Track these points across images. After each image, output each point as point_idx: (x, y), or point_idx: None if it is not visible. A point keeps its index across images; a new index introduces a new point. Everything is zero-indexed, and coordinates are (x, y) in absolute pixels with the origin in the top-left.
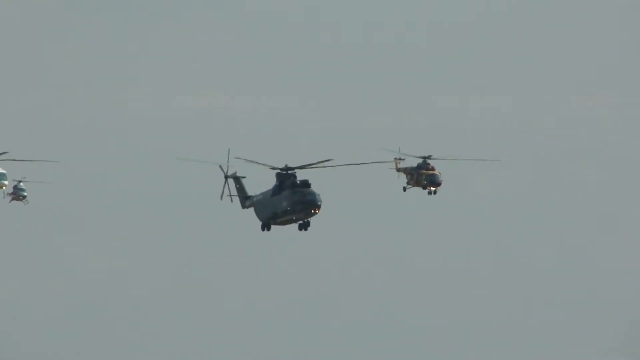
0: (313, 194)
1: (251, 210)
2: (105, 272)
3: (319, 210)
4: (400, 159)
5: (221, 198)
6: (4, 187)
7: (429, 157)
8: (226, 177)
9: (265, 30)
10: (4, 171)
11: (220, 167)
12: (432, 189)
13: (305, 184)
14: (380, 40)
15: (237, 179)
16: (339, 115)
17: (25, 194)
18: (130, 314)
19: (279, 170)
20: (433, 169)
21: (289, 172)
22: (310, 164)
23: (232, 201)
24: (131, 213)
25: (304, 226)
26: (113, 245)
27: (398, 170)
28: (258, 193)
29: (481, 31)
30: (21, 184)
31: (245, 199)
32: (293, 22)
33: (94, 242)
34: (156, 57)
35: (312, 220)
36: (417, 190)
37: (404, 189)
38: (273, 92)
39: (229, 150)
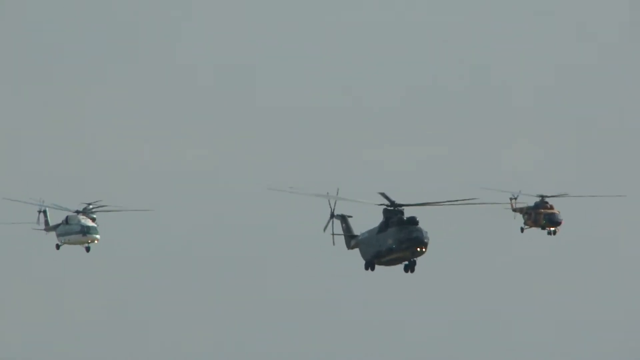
0: (420, 230)
1: (356, 251)
2: (197, 318)
3: (425, 249)
4: (515, 199)
5: (324, 230)
6: (96, 241)
7: (546, 196)
8: (332, 215)
9: None
10: (94, 225)
11: (329, 203)
12: (552, 228)
13: (413, 220)
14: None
15: (344, 218)
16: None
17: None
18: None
19: (385, 207)
20: (552, 207)
21: (397, 208)
22: (425, 202)
23: (334, 244)
24: (227, 252)
25: (410, 267)
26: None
27: (514, 210)
28: (364, 231)
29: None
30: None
31: (350, 239)
32: None
33: (182, 285)
34: None
35: (419, 261)
36: (536, 230)
37: (522, 229)
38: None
39: (338, 189)
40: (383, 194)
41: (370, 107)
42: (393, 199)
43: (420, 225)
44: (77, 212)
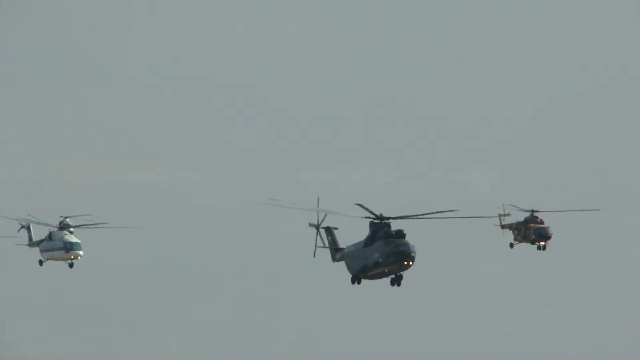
0: (407, 244)
1: (342, 264)
2: (191, 332)
3: (412, 262)
4: (504, 215)
5: (314, 255)
6: (79, 257)
7: (536, 211)
8: (317, 227)
9: None
10: (78, 240)
11: (317, 214)
12: (542, 243)
13: (400, 234)
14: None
15: (329, 230)
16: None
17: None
18: None
19: (372, 220)
20: (542, 222)
21: (383, 221)
22: (411, 215)
23: (314, 256)
24: (214, 266)
25: (397, 281)
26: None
27: (503, 227)
28: (350, 244)
29: None
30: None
31: (336, 252)
32: None
33: (179, 302)
34: None
35: (405, 275)
36: (525, 246)
37: (511, 245)
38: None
39: (318, 199)
40: (360, 205)
41: (348, 118)
42: (372, 209)
43: (407, 239)
44: (61, 227)
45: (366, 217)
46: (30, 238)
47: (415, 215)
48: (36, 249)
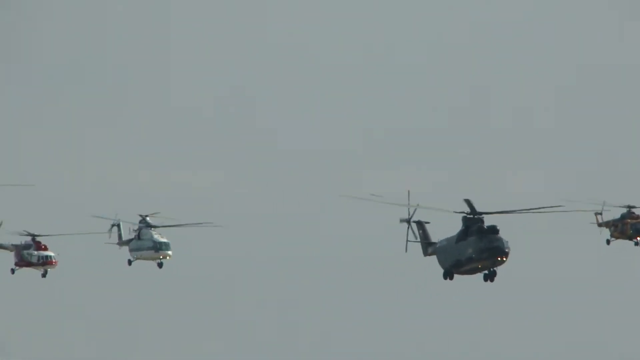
0: (500, 240)
1: (433, 258)
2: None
3: (506, 258)
4: (600, 214)
5: (406, 250)
6: (168, 257)
7: (633, 206)
8: (409, 221)
9: None
10: (167, 240)
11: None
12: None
13: (493, 230)
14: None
15: (421, 224)
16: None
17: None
18: None
19: (465, 215)
20: (639, 217)
21: (477, 216)
22: (506, 210)
23: (406, 251)
24: (306, 262)
25: (490, 276)
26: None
27: (600, 225)
28: (442, 239)
29: None
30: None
31: (428, 246)
32: None
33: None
34: None
35: (499, 270)
36: (623, 242)
37: (608, 242)
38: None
39: (408, 192)
40: (467, 201)
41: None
42: (476, 207)
43: (501, 234)
44: (150, 226)
45: (459, 212)
46: (120, 236)
47: (513, 211)
48: (125, 248)
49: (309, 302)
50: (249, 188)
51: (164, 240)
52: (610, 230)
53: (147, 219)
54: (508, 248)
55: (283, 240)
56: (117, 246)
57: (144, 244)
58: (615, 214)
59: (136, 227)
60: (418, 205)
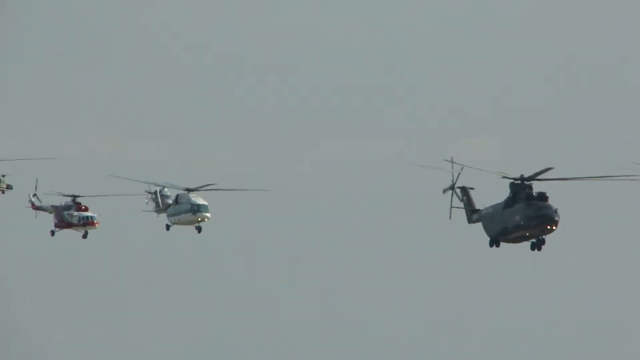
0: (550, 208)
1: (479, 225)
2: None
3: (555, 227)
4: None
5: (450, 217)
6: (207, 220)
7: None
8: (453, 187)
9: None
10: (206, 202)
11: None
12: None
13: (542, 197)
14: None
15: (465, 190)
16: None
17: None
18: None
19: (512, 181)
20: None
21: (525, 182)
22: (539, 174)
23: (450, 218)
24: (348, 229)
25: (537, 245)
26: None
27: None
28: (488, 206)
29: None
30: (166, 190)
31: (472, 213)
32: None
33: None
34: None
35: (548, 238)
36: None
37: None
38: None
39: (452, 158)
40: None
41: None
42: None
43: (550, 202)
44: (188, 190)
45: (506, 177)
46: (157, 204)
47: (565, 178)
48: (163, 215)
49: (355, 271)
50: (291, 156)
51: (202, 202)
52: None
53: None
54: (558, 216)
55: (326, 208)
56: (155, 214)
57: (181, 207)
58: None
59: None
60: (462, 168)
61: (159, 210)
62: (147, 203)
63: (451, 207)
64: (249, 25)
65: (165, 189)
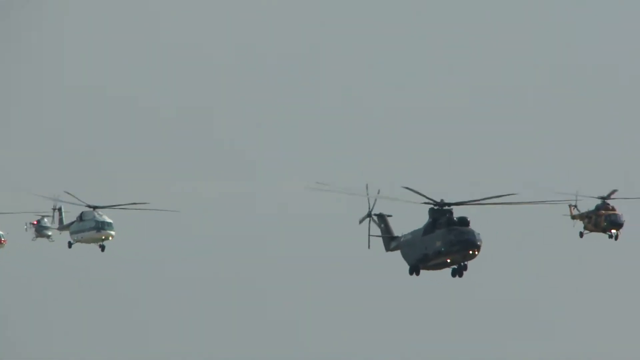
0: (472, 232)
1: (397, 253)
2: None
3: (478, 252)
4: (575, 206)
5: (360, 222)
6: (111, 238)
7: (608, 197)
8: (369, 215)
9: None
10: (110, 220)
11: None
12: (614, 231)
13: (464, 221)
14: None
15: (382, 217)
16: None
17: (49, 233)
18: None
19: (432, 206)
20: (613, 209)
21: (445, 207)
22: (473, 200)
23: (369, 247)
24: (256, 253)
25: (459, 272)
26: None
27: (573, 217)
28: (406, 232)
29: None
30: (45, 220)
31: (390, 240)
32: None
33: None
34: None
35: (469, 265)
36: (597, 235)
37: (581, 234)
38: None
39: (367, 185)
40: (408, 188)
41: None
42: (421, 192)
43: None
44: (92, 207)
45: (425, 203)
46: (60, 221)
47: (475, 201)
48: (66, 233)
49: (260, 302)
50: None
51: (107, 220)
52: (584, 222)
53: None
54: (480, 241)
55: (235, 231)
56: (58, 231)
57: (85, 225)
58: (589, 205)
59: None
60: (379, 192)
61: (61, 227)
62: (26, 230)
63: (369, 235)
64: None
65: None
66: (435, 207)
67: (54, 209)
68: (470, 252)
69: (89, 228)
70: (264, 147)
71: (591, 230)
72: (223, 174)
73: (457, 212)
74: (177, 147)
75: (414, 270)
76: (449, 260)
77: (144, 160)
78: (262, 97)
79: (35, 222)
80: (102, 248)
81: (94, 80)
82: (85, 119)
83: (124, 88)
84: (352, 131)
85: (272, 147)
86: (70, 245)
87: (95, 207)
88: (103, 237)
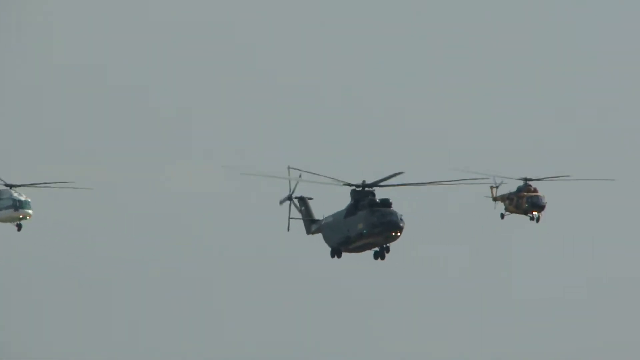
0: (394, 214)
1: (319, 236)
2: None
3: (400, 233)
4: (496, 187)
5: (288, 229)
6: (29, 217)
7: (530, 179)
8: (290, 198)
9: None
10: (28, 199)
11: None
12: (535, 213)
13: (386, 203)
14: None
15: (303, 200)
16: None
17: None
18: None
19: (354, 188)
20: (535, 190)
21: (367, 189)
22: (385, 180)
23: (288, 230)
24: (175, 238)
25: (381, 254)
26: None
27: (495, 199)
28: (327, 215)
29: None
30: None
31: (311, 223)
32: None
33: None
34: None
35: (392, 246)
36: (518, 217)
37: (502, 216)
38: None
39: (288, 167)
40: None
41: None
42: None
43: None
44: (9, 186)
45: (347, 185)
46: None
47: (406, 184)
48: None
49: (179, 287)
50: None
51: (24, 198)
52: (505, 204)
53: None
54: (403, 222)
55: (148, 212)
56: None
57: (2, 203)
58: (511, 187)
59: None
60: (300, 176)
61: None
62: None
63: (289, 218)
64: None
65: None
66: (357, 189)
67: None
68: (393, 233)
69: (5, 207)
70: (190, 128)
71: (512, 212)
72: (145, 153)
73: (380, 194)
74: (100, 124)
75: (336, 253)
76: (371, 242)
77: (65, 139)
78: (191, 77)
79: None
80: (19, 227)
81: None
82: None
83: (50, 66)
84: (275, 115)
85: (197, 129)
86: None
87: (12, 186)
88: (21, 216)
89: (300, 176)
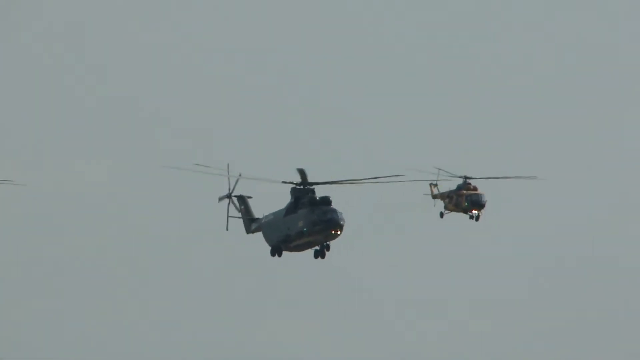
0: (335, 211)
1: (258, 235)
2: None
3: (341, 231)
4: (435, 185)
5: (227, 228)
6: None
7: (469, 177)
8: (229, 196)
9: None
10: None
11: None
12: (475, 212)
13: (326, 201)
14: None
15: (242, 199)
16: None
17: None
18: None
19: (294, 186)
20: (475, 189)
21: (307, 187)
22: (337, 180)
23: (227, 229)
24: (112, 238)
25: (321, 253)
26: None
27: (434, 197)
28: (268, 213)
29: None
30: None
31: (251, 222)
32: None
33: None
34: None
35: (332, 245)
36: (457, 215)
37: (441, 214)
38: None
39: (228, 165)
40: (301, 171)
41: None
42: (308, 179)
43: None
44: None
45: (287, 183)
46: None
47: (349, 181)
48: None
49: (114, 287)
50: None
51: None
52: (444, 202)
53: None
54: (343, 220)
55: (94, 210)
56: None
57: None
58: (451, 185)
59: None
60: (240, 175)
61: None
62: None
63: (228, 216)
64: None
65: None
66: (297, 187)
67: None
68: (333, 231)
69: None
70: (131, 125)
71: (452, 210)
72: (83, 149)
73: (319, 192)
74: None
75: (276, 251)
76: (311, 241)
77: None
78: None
79: None
80: None
81: None
82: None
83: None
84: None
85: (138, 127)
86: None
87: None
88: None
89: (240, 175)
